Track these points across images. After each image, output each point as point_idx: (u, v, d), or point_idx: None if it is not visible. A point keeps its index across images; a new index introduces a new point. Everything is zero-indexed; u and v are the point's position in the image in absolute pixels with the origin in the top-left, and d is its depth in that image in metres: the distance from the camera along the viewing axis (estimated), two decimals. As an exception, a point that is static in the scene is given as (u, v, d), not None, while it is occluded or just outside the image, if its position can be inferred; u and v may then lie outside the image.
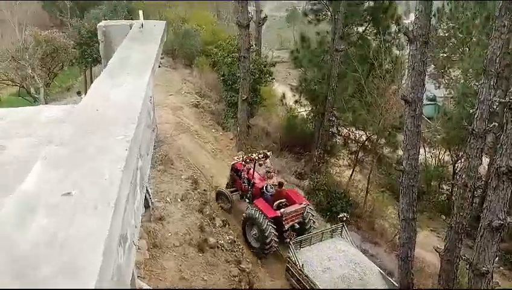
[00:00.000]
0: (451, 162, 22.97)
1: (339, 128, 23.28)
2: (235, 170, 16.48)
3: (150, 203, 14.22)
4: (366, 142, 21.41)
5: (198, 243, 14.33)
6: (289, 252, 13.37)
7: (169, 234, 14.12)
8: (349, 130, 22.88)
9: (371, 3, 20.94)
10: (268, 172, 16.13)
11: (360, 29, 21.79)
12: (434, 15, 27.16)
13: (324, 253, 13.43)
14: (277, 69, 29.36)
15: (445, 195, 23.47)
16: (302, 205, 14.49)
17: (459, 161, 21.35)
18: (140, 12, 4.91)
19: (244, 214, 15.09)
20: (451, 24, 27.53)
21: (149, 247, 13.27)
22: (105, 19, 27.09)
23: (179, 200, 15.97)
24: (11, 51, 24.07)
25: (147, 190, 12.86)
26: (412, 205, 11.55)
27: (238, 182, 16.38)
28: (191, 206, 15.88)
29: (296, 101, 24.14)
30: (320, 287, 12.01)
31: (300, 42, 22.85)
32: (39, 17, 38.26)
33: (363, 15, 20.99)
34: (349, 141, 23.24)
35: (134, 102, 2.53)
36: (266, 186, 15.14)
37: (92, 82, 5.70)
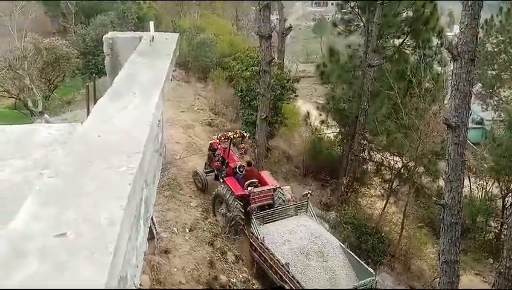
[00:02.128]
0: (500, 195, 22.43)
1: (371, 153, 23.11)
2: (212, 149, 17.84)
3: (155, 234, 14.19)
4: (402, 169, 21.13)
5: (207, 281, 14.17)
6: (252, 226, 14.68)
7: (175, 270, 14.02)
8: (382, 156, 22.67)
9: (410, 14, 20.95)
10: (244, 152, 18.24)
11: (397, 42, 21.78)
12: (482, 27, 27.07)
13: (286, 227, 14.71)
14: (301, 84, 29.48)
15: (493, 233, 22.88)
16: (272, 187, 15.92)
17: (510, 194, 20.86)
18: (151, 23, 5.00)
19: (214, 192, 16.52)
20: (501, 38, 27.30)
21: (152, 284, 13.20)
22: (113, 26, 27.77)
23: (187, 230, 15.91)
24: (8, 59, 24.68)
25: (152, 219, 12.88)
26: (454, 245, 11.28)
27: (214, 162, 17.70)
28: (200, 237, 15.78)
29: (322, 122, 24.13)
30: (280, 258, 13.19)
31: (328, 55, 23.00)
32: (41, 22, 39.42)
33: (400, 26, 21.01)
34: (382, 168, 22.98)
35: (140, 128, 2.55)
36: (239, 166, 16.57)
37: (95, 97, 5.80)
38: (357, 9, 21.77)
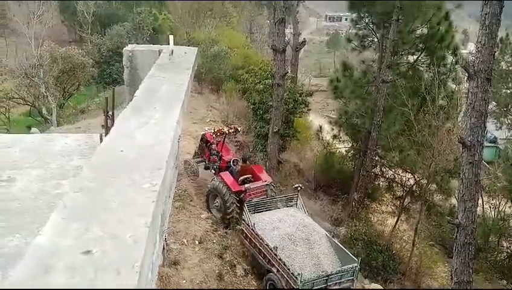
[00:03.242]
0: (513, 215, 22.13)
1: (383, 169, 22.95)
2: (204, 140, 18.36)
3: (164, 245, 14.20)
4: (414, 186, 20.94)
5: (216, 294, 14.14)
6: (243, 214, 15.44)
7: (184, 282, 13.99)
8: (394, 172, 22.50)
9: (425, 31, 20.92)
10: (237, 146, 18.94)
11: (411, 58, 21.74)
12: (497, 46, 26.92)
13: (276, 217, 15.51)
14: (314, 98, 29.50)
15: (505, 254, 22.51)
16: (266, 183, 16.56)
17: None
18: (171, 37, 5.06)
19: (209, 185, 17.14)
20: (516, 56, 27.17)
21: (161, 296, 13.17)
22: (129, 37, 28.10)
23: (197, 242, 15.89)
24: (24, 66, 25.07)
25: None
26: (468, 265, 11.13)
27: (206, 152, 18.31)
28: (209, 250, 15.75)
29: (334, 136, 24.04)
30: (268, 243, 14.07)
31: (341, 70, 22.97)
32: (58, 31, 40.05)
33: (415, 43, 20.96)
34: (394, 185, 22.81)
35: (162, 144, 2.57)
36: (233, 161, 17.29)
37: (113, 108, 5.85)
38: (371, 25, 21.78)
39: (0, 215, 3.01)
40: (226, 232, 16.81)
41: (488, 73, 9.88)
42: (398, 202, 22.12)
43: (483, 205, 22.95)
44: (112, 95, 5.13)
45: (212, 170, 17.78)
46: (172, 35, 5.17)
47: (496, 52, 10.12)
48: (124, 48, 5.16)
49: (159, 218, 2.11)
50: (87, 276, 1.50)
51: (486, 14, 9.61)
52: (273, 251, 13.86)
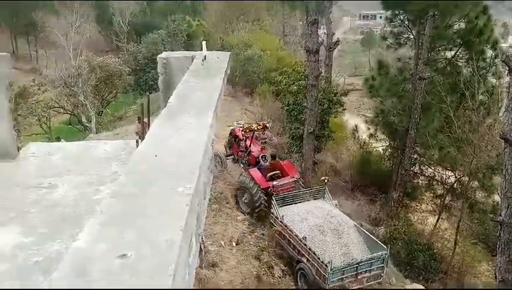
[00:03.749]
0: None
1: (422, 168, 22.47)
2: (233, 136, 19.18)
3: (202, 247, 14.34)
4: (455, 184, 20.42)
5: (255, 296, 14.17)
6: (272, 207, 15.86)
7: (223, 283, 14.10)
8: (434, 170, 22.00)
9: (462, 25, 20.39)
10: (265, 142, 19.50)
11: (449, 54, 21.22)
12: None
13: (304, 209, 15.85)
14: (349, 98, 29.19)
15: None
16: (294, 179, 16.97)
17: None
18: (204, 43, 5.11)
19: (238, 181, 17.81)
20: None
21: (200, 298, 13.30)
22: (164, 44, 28.63)
23: (234, 244, 15.99)
24: (64, 77, 25.89)
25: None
26: (512, 263, 10.79)
27: (234, 147, 19.05)
28: (247, 251, 15.83)
29: (371, 135, 23.72)
30: (297, 233, 14.38)
31: (377, 68, 22.66)
32: (95, 42, 41.15)
33: (452, 38, 20.45)
34: (434, 183, 22.29)
35: (196, 149, 2.60)
36: (262, 156, 17.63)
37: (149, 114, 5.98)
38: (407, 22, 21.39)
39: (42, 221, 3.11)
40: (262, 234, 16.87)
41: (529, 66, 9.56)
42: (439, 201, 21.61)
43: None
44: (148, 102, 5.22)
45: (241, 164, 18.51)
46: (205, 41, 5.22)
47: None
48: (159, 56, 5.25)
49: (193, 221, 2.12)
50: (121, 279, 1.53)
51: (526, 4, 9.28)
52: (303, 241, 14.15)
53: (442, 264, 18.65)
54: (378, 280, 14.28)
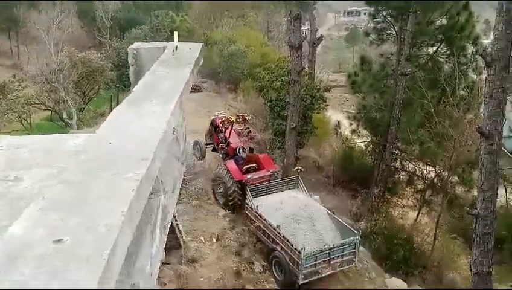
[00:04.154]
0: (538, 206, 21.60)
1: (403, 163, 22.66)
2: (214, 125, 19.37)
3: (182, 243, 14.25)
4: (435, 179, 20.63)
5: (234, 292, 14.14)
6: (246, 198, 16.12)
7: (202, 279, 14.05)
8: (415, 165, 22.21)
9: (444, 21, 20.55)
10: (249, 132, 19.65)
11: (431, 50, 21.39)
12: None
13: (278, 198, 16.13)
14: (333, 94, 29.29)
15: (530, 245, 21.98)
16: (269, 173, 17.12)
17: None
18: (175, 33, 5.03)
19: (214, 172, 18.18)
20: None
21: (179, 294, 13.22)
22: (146, 40, 28.35)
23: (214, 240, 15.95)
24: (45, 72, 25.46)
25: (178, 228, 12.95)
26: (487, 256, 10.93)
27: (214, 137, 19.23)
28: (227, 247, 15.79)
29: (353, 131, 23.84)
30: (272, 223, 14.60)
31: (360, 64, 22.74)
32: (77, 37, 40.58)
33: (434, 34, 20.60)
34: (415, 178, 22.50)
35: (154, 135, 2.54)
36: (239, 149, 17.88)
37: (117, 104, 5.87)
38: (389, 18, 21.49)
39: (5, 214, 3.02)
40: (243, 229, 16.84)
41: (505, 61, 9.65)
42: (419, 195, 21.82)
43: (506, 196, 22.50)
44: (117, 94, 5.13)
45: (220, 154, 18.74)
46: (176, 32, 5.15)
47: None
48: (129, 47, 5.17)
49: (142, 207, 2.07)
50: (53, 264, 1.48)
51: (503, 0, 9.37)
52: (277, 229, 14.39)
53: (422, 259, 18.85)
54: (351, 265, 14.82)
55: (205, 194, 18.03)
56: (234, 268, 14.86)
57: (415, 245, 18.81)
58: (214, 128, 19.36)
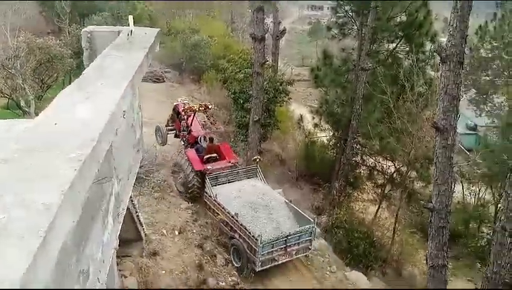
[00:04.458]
0: (493, 201, 22.39)
1: (364, 158, 23.04)
2: (176, 111, 19.35)
3: (143, 236, 14.10)
4: (395, 174, 21.07)
5: (195, 284, 14.09)
6: (206, 186, 16.36)
7: (163, 272, 13.93)
8: (375, 160, 22.61)
9: (403, 18, 20.97)
10: (213, 122, 19.79)
11: (391, 46, 21.79)
12: (476, 33, 27.15)
13: (237, 187, 16.56)
14: (296, 88, 29.45)
15: (485, 239, 22.84)
16: (230, 164, 17.46)
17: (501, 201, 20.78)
18: (130, 17, 4.96)
19: (174, 159, 18.52)
20: (495, 44, 27.39)
21: (139, 286, 13.09)
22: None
23: (177, 233, 15.82)
24: (1, 58, 24.52)
25: (139, 220, 12.81)
26: (442, 249, 11.26)
27: (176, 123, 19.33)
28: (189, 240, 15.70)
29: (315, 125, 24.05)
30: (230, 211, 15.00)
31: (322, 59, 22.94)
32: (35, 22, 39.21)
33: (393, 31, 20.99)
34: (375, 173, 22.93)
35: (100, 117, 2.50)
36: (201, 138, 17.99)
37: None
38: (351, 13, 21.75)
39: None
40: (206, 222, 16.79)
41: (459, 56, 9.94)
42: (379, 190, 22.24)
43: (463, 192, 23.23)
44: (69, 80, 4.99)
45: (182, 141, 18.81)
46: (131, 16, 5.06)
47: (467, 35, 10.15)
48: (83, 30, 5.05)
49: (84, 188, 2.03)
50: (-13, 241, 1.44)
51: (458, -3, 9.64)
52: (235, 217, 14.74)
53: (382, 252, 19.20)
54: (307, 253, 15.28)
55: (168, 186, 17.86)
56: (196, 261, 14.80)
57: (375, 239, 19.16)
58: (177, 115, 19.38)
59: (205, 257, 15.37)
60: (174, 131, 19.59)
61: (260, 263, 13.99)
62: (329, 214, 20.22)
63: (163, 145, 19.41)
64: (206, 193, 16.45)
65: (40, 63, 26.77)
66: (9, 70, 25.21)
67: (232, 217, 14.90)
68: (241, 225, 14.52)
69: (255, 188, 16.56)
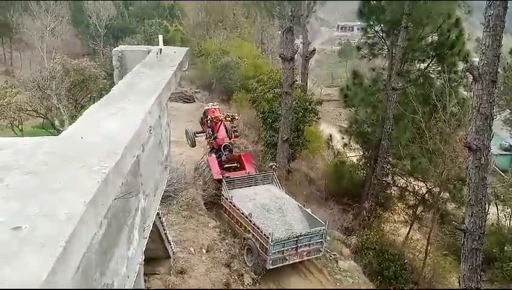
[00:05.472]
0: (529, 224, 21.64)
1: (395, 178, 22.68)
2: (206, 116, 19.84)
3: (171, 254, 14.14)
4: (427, 195, 20.66)
5: (222, 303, 14.01)
6: (222, 190, 17.00)
7: (190, 291, 13.89)
8: (406, 181, 22.23)
9: (435, 38, 20.77)
10: (235, 131, 20.05)
11: (422, 65, 21.56)
12: (510, 52, 26.60)
13: (252, 191, 17.15)
14: (326, 108, 29.38)
15: (521, 262, 21.99)
16: (246, 175, 17.96)
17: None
18: (160, 36, 5.06)
19: (196, 162, 19.20)
20: (532, 62, 26.76)
21: (167, 304, 13.07)
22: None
23: (204, 251, 15.80)
24: (37, 79, 25.36)
25: (168, 238, 12.86)
26: (475, 272, 10.90)
27: (205, 126, 19.92)
28: (217, 259, 15.64)
29: (345, 145, 23.89)
30: (244, 211, 15.55)
31: (352, 78, 22.88)
32: (71, 45, 40.57)
33: (425, 50, 20.80)
34: (406, 193, 22.52)
35: (127, 132, 2.53)
36: (225, 145, 18.53)
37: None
38: (381, 33, 21.69)
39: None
40: (234, 241, 16.74)
41: (492, 75, 9.74)
42: (411, 211, 21.81)
43: (498, 214, 22.52)
44: (99, 95, 5.10)
45: (209, 145, 19.61)
46: (161, 35, 5.16)
47: (500, 54, 9.96)
48: (114, 49, 5.17)
49: (108, 200, 2.05)
50: (10, 250, 1.46)
51: (490, 15, 9.50)
52: (248, 217, 15.24)
53: (413, 275, 18.76)
54: (318, 255, 15.50)
55: (196, 205, 17.91)
56: (224, 280, 14.73)
57: (406, 261, 18.73)
58: (206, 119, 19.89)
59: (233, 276, 15.28)
60: (204, 134, 20.14)
61: (271, 261, 14.34)
62: (359, 235, 19.89)
63: (192, 146, 20.12)
64: (223, 195, 17.01)
65: (74, 84, 27.57)
66: (45, 91, 26.05)
67: (246, 217, 15.37)
68: (254, 224, 14.97)
69: (270, 193, 17.10)
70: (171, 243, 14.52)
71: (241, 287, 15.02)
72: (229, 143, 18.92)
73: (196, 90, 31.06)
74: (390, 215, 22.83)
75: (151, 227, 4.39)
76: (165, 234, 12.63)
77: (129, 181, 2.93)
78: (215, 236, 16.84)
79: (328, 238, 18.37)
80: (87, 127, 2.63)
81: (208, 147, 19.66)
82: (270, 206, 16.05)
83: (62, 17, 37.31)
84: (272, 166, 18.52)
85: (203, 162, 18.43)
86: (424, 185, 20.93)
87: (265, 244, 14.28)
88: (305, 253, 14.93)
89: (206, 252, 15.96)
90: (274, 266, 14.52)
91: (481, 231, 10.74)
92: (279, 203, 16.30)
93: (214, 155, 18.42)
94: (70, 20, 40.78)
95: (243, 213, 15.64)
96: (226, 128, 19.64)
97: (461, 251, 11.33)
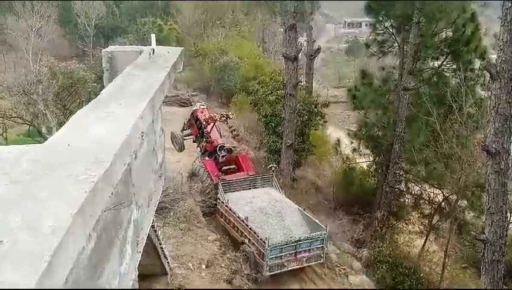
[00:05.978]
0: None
1: (408, 185, 22.60)
2: (194, 117, 19.96)
3: (168, 270, 14.12)
4: (443, 203, 20.57)
5: (223, 323, 13.97)
6: (218, 193, 17.19)
7: (189, 310, 13.87)
8: (421, 188, 22.15)
9: (449, 34, 20.74)
10: (233, 131, 20.42)
11: (436, 64, 21.52)
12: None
13: (250, 194, 17.27)
14: (333, 111, 29.36)
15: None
16: (245, 176, 18.13)
17: None
18: (153, 36, 5.07)
19: (191, 167, 19.20)
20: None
21: (163, 323, 13.05)
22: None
23: (204, 266, 15.78)
24: (22, 83, 25.39)
25: (164, 253, 12.85)
26: (497, 284, 10.85)
27: (194, 128, 19.90)
28: (217, 274, 15.61)
29: (354, 150, 23.82)
30: (240, 215, 15.67)
31: (360, 78, 22.85)
32: (59, 46, 40.64)
33: (438, 47, 20.74)
34: (421, 202, 22.43)
35: (116, 138, 2.53)
36: (220, 147, 18.50)
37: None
38: (391, 29, 21.67)
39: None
40: (235, 255, 16.70)
41: (511, 73, 9.73)
42: (426, 221, 21.71)
43: (520, 223, 22.43)
44: (88, 100, 5.10)
45: (199, 148, 19.69)
46: (153, 34, 5.18)
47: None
48: (103, 50, 5.19)
49: (97, 212, 2.05)
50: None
51: (508, 8, 9.49)
52: (244, 221, 15.36)
53: (430, 290, 18.69)
54: (318, 261, 15.51)
55: (194, 216, 17.89)
56: (224, 297, 14.72)
57: (422, 275, 18.60)
58: (195, 120, 19.93)
59: (234, 293, 15.27)
60: (191, 137, 20.07)
61: (268, 268, 14.37)
62: (371, 247, 19.79)
63: (180, 151, 19.89)
64: (219, 199, 17.20)
65: (62, 88, 27.55)
66: (31, 96, 26.05)
67: (242, 221, 15.47)
68: (250, 228, 15.07)
69: (269, 196, 17.21)
70: (168, 258, 14.49)
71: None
72: (223, 145, 18.92)
73: (193, 93, 31.13)
74: (404, 225, 22.73)
75: (145, 240, 4.38)
76: (161, 248, 12.61)
77: (120, 191, 2.93)
78: (216, 250, 16.81)
79: (338, 251, 18.36)
80: (74, 133, 2.63)
81: (199, 150, 19.64)
82: (268, 210, 16.16)
83: (48, 17, 37.41)
84: (271, 168, 18.79)
85: (198, 167, 18.49)
86: (440, 192, 20.82)
87: (262, 250, 14.37)
88: (304, 259, 14.98)
89: (206, 267, 15.93)
90: (272, 273, 14.56)
91: (502, 242, 10.71)
92: (278, 206, 16.43)
93: (208, 158, 18.56)
94: (57, 20, 40.87)
95: (238, 217, 15.78)
96: (217, 129, 19.64)
97: (481, 263, 11.28)
